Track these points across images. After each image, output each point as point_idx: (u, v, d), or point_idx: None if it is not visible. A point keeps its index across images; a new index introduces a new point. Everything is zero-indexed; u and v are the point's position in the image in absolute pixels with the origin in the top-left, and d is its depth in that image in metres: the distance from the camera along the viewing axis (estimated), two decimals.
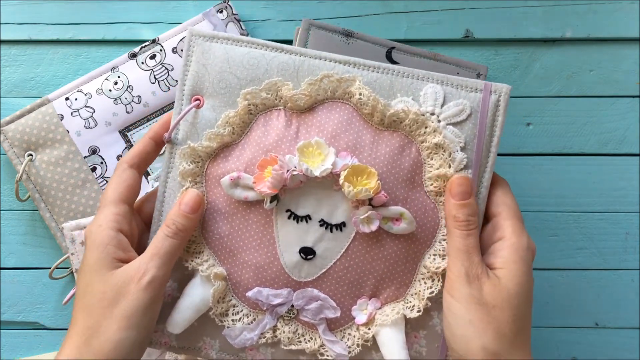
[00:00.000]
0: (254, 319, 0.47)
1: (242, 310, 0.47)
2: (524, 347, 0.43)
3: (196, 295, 0.46)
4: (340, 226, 0.46)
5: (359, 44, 0.56)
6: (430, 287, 0.46)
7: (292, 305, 0.47)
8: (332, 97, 0.46)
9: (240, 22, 0.61)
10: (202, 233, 0.47)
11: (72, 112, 0.60)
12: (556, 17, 0.63)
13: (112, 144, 0.60)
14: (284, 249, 0.46)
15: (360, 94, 0.45)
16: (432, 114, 0.46)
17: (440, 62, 0.56)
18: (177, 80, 0.58)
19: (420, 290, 0.46)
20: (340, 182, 0.44)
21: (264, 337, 0.47)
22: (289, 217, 0.46)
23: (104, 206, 0.45)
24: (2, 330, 0.64)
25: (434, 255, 0.46)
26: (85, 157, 0.60)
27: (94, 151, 0.60)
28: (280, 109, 0.47)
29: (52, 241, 0.63)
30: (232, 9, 0.61)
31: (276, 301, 0.46)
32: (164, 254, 0.44)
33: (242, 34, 0.61)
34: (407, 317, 0.46)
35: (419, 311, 0.46)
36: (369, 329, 0.46)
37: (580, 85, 0.63)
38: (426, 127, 0.46)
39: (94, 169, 0.60)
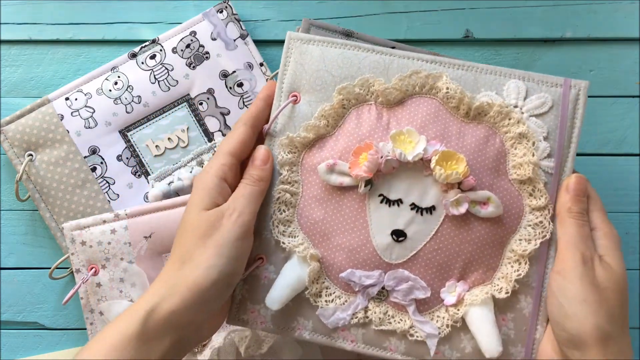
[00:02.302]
0: (346, 301, 0.49)
1: (334, 292, 0.49)
2: (628, 334, 0.44)
3: (293, 275, 0.49)
4: (431, 209, 0.48)
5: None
6: (517, 270, 0.48)
7: (383, 287, 0.49)
8: (420, 92, 0.50)
9: (240, 22, 0.61)
10: (297, 218, 0.50)
11: (72, 112, 0.60)
12: (556, 17, 0.62)
13: (112, 144, 0.61)
14: (376, 231, 0.49)
15: (447, 88, 0.49)
16: (515, 106, 0.49)
17: None
18: (177, 80, 0.61)
19: (507, 273, 0.48)
20: (432, 166, 0.47)
21: (356, 317, 0.49)
22: (381, 202, 0.49)
23: (215, 157, 0.50)
24: (2, 330, 0.63)
25: (520, 239, 0.48)
26: (85, 157, 0.60)
27: (94, 151, 0.60)
28: (371, 104, 0.50)
29: (52, 241, 0.63)
30: (232, 9, 0.61)
31: (368, 282, 0.49)
32: (248, 195, 0.48)
33: (242, 34, 0.61)
34: (496, 297, 0.48)
35: (507, 292, 0.48)
36: (458, 309, 0.48)
37: None
38: (510, 119, 0.49)
39: (94, 169, 0.60)
